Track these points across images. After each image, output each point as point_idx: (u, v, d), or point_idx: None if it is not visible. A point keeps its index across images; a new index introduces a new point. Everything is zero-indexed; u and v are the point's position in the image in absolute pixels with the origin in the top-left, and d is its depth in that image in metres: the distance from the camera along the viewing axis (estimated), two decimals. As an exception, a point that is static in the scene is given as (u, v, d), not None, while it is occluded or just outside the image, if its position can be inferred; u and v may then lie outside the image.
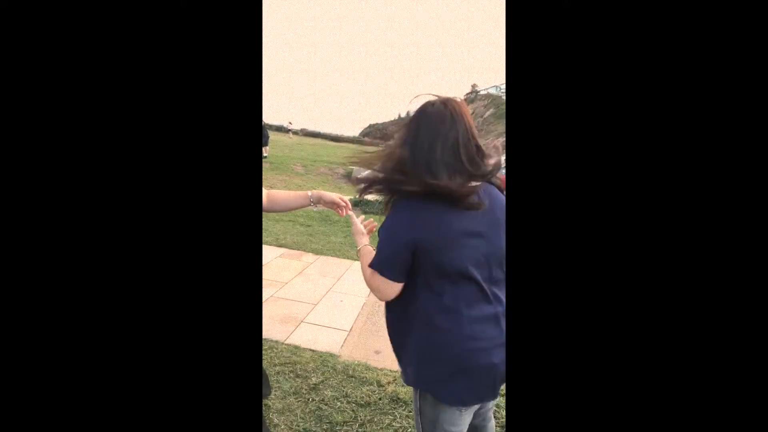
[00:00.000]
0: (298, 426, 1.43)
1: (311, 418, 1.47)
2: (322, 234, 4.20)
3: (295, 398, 1.58)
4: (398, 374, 1.74)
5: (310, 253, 3.56)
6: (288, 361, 1.83)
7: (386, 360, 1.91)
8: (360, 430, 1.41)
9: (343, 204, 1.16)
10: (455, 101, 0.85)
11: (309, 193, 1.19)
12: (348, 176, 12.22)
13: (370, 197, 7.11)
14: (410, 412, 1.51)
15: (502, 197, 0.84)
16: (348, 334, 2.18)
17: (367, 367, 1.82)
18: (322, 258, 3.49)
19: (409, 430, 1.42)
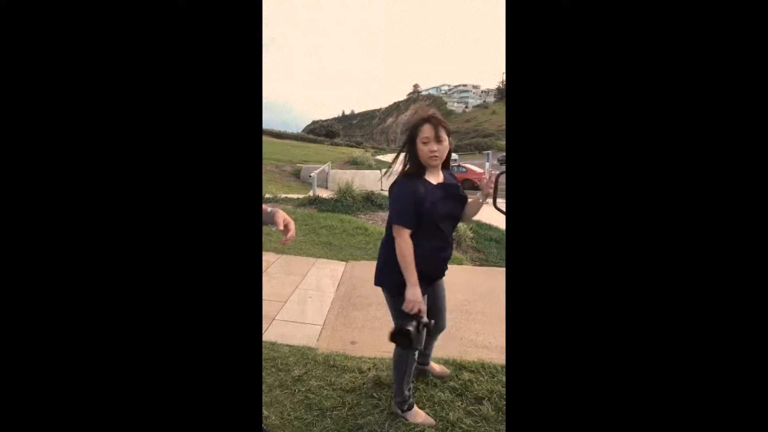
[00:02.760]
0: (289, 415, 1.48)
1: (300, 407, 1.53)
2: (280, 233, 4.14)
3: (281, 390, 1.62)
4: (377, 361, 1.85)
5: (271, 252, 3.52)
6: (267, 357, 1.85)
7: (363, 349, 2.01)
8: (349, 413, 1.51)
9: (282, 230, 1.03)
10: (428, 118, 1.28)
11: (269, 209, 1.07)
12: (296, 174, 11.99)
13: (323, 194, 7.01)
14: (391, 393, 1.63)
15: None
16: (322, 328, 2.24)
17: (346, 357, 1.90)
18: (284, 257, 3.47)
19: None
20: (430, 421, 1.46)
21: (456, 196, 1.35)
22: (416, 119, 1.29)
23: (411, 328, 1.17)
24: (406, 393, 1.47)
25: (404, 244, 1.24)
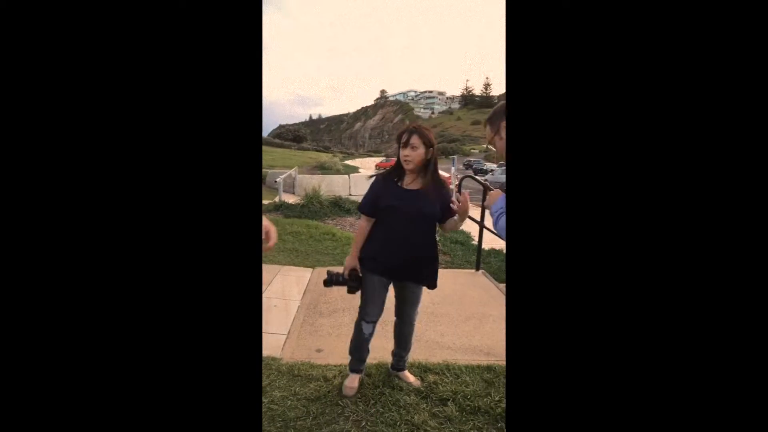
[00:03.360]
0: (251, 429, 1.43)
1: (263, 419, 1.48)
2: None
3: (243, 404, 1.57)
4: (343, 368, 1.84)
5: (234, 260, 3.41)
6: (228, 370, 1.79)
7: (329, 357, 1.98)
8: (314, 422, 1.48)
9: (264, 239, 1.04)
10: (409, 127, 1.49)
11: None
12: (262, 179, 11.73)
13: (289, 200, 6.95)
14: (358, 399, 1.62)
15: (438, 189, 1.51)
16: (287, 337, 2.19)
17: (312, 365, 1.87)
18: (248, 264, 3.37)
19: (359, 413, 1.53)
20: (348, 392, 1.63)
21: (425, 204, 1.47)
22: (402, 128, 1.51)
23: (331, 273, 1.59)
24: (352, 355, 1.70)
25: (359, 225, 1.60)
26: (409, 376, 1.76)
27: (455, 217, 1.48)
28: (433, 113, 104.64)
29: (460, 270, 3.68)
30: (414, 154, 1.44)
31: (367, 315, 1.60)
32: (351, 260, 1.57)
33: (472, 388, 1.69)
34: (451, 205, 1.42)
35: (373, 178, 1.59)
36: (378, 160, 33.64)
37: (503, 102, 1.05)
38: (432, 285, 1.59)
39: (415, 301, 1.63)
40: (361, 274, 1.57)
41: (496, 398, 1.63)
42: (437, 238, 1.58)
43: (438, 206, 1.49)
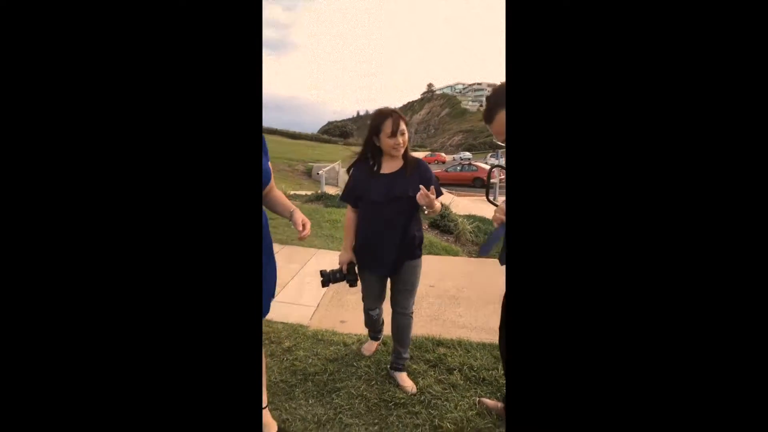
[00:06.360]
0: (276, 378, 1.65)
1: (286, 373, 1.70)
2: (285, 225, 4.34)
3: (271, 359, 1.80)
4: (362, 336, 2.01)
5: (276, 243, 3.71)
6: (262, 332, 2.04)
7: (351, 327, 2.17)
8: (329, 378, 1.67)
9: (301, 230, 1.19)
10: (386, 113, 1.46)
11: (292, 209, 1.24)
12: (308, 173, 12.30)
13: (330, 191, 7.21)
14: (370, 363, 1.78)
15: (423, 175, 1.50)
16: (316, 309, 2.41)
17: (334, 333, 2.07)
18: (287, 247, 3.67)
19: (371, 374, 1.69)
20: (366, 353, 1.84)
21: (405, 184, 1.45)
22: (379, 115, 1.46)
23: (325, 272, 1.56)
24: (368, 329, 1.85)
25: (346, 217, 1.61)
26: (406, 380, 1.63)
27: (424, 209, 1.41)
28: (481, 106, 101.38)
29: (489, 259, 3.70)
30: (403, 140, 1.43)
31: (370, 306, 1.66)
32: (345, 254, 1.56)
33: (480, 362, 1.78)
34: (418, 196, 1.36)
35: (351, 168, 1.57)
36: (423, 154, 33.33)
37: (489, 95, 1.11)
38: (417, 254, 1.56)
39: (407, 290, 1.57)
40: (357, 269, 1.56)
41: (503, 372, 1.70)
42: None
43: (418, 183, 1.41)
